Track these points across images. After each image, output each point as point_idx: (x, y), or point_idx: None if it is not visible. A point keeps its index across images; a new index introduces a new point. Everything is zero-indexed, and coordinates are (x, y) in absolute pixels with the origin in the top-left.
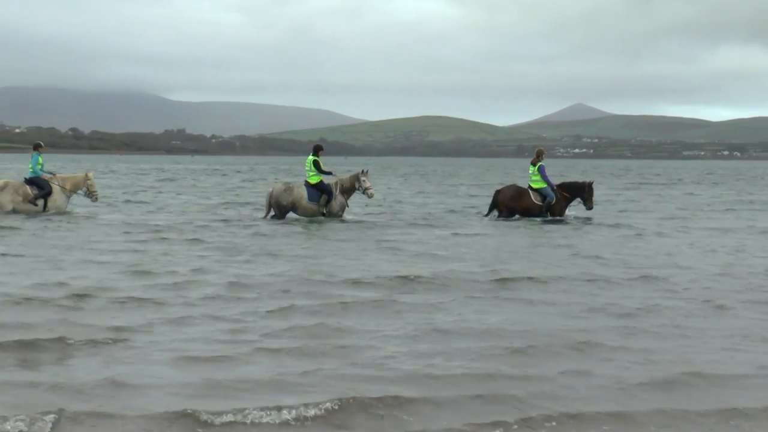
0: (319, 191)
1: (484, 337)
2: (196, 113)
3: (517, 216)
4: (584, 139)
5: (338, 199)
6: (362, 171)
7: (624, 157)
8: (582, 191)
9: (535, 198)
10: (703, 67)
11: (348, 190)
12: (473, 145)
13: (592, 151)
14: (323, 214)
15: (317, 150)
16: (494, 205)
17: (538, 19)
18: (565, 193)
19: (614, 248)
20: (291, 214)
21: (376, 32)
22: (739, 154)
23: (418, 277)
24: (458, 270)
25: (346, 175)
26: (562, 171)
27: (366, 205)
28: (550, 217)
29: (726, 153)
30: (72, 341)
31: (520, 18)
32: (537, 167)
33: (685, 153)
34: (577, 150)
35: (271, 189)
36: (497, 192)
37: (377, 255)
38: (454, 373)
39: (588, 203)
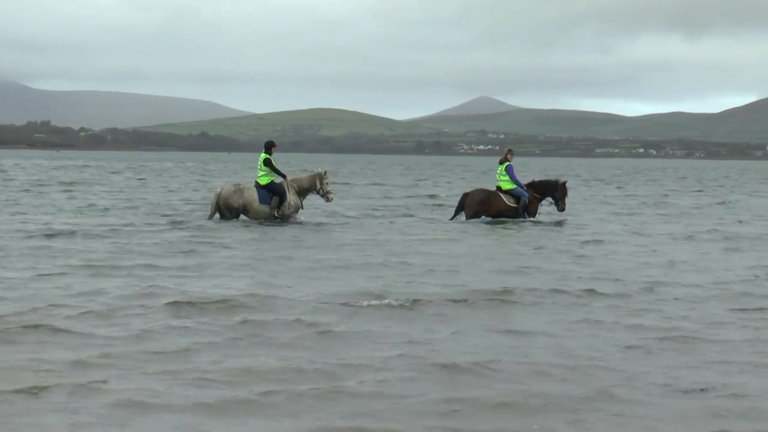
0: (271, 193)
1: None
2: (64, 103)
3: (482, 217)
4: (489, 135)
5: (292, 200)
6: (324, 172)
7: (532, 154)
8: (554, 190)
9: (507, 200)
10: (620, 57)
11: (305, 191)
12: (369, 140)
13: (497, 147)
14: (275, 217)
15: (269, 147)
16: (461, 209)
17: (444, 3)
18: (536, 194)
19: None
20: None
21: (265, 16)
22: (654, 152)
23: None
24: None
25: (304, 175)
26: (466, 167)
27: (316, 208)
28: (529, 219)
29: (641, 150)
30: None
31: (424, 2)
32: (505, 167)
33: (598, 150)
34: (481, 146)
35: (219, 190)
36: (465, 195)
37: (358, 271)
38: None
39: (560, 204)
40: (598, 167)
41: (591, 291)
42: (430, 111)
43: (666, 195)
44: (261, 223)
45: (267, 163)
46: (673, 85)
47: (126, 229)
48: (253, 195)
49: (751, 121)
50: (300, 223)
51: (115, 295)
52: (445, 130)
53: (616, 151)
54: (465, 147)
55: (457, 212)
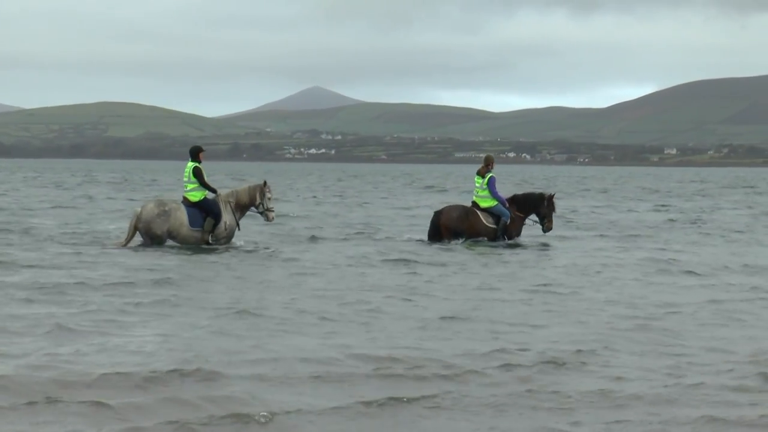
0: (204, 212)
1: None
2: None
3: (462, 239)
4: (323, 136)
5: (228, 220)
6: (264, 183)
7: (377, 159)
8: (539, 206)
9: (486, 219)
10: (490, 38)
11: (243, 208)
12: (171, 142)
13: (333, 151)
14: (208, 243)
15: (196, 153)
16: (435, 230)
17: None
18: (518, 212)
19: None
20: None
21: None
22: (529, 156)
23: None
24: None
25: (241, 187)
26: (294, 176)
27: (263, 224)
28: (507, 241)
29: (512, 155)
30: None
31: None
32: (487, 180)
33: (459, 155)
34: (313, 150)
35: (138, 210)
36: (438, 214)
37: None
38: None
39: (547, 222)
40: (451, 175)
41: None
42: (248, 106)
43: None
44: (190, 252)
45: (197, 173)
46: (554, 73)
47: None
48: (181, 217)
49: (647, 118)
50: (236, 248)
51: None
52: (268, 129)
53: (481, 155)
54: (292, 151)
55: (432, 234)
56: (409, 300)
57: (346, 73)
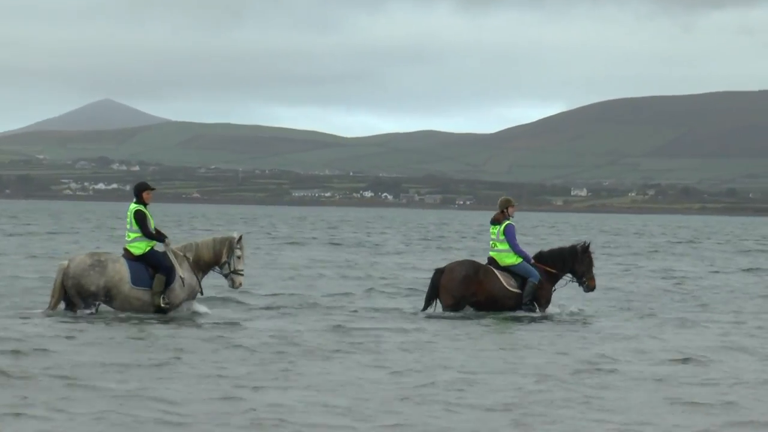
0: (151, 267)
1: None
2: None
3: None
4: (114, 166)
5: (186, 279)
6: (237, 237)
7: (187, 198)
8: (574, 262)
9: (505, 281)
10: (347, 39)
11: (204, 267)
12: None
13: (127, 187)
14: (160, 308)
15: (141, 191)
16: (434, 293)
17: None
18: (549, 268)
19: None
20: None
21: None
22: (390, 197)
23: None
24: None
25: (202, 239)
26: (70, 219)
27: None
28: (538, 313)
29: (369, 194)
30: None
31: None
32: (504, 228)
33: (298, 193)
34: (101, 185)
35: (65, 263)
36: (439, 272)
37: None
38: None
39: (588, 280)
40: (304, 221)
41: None
42: (15, 124)
43: None
44: (133, 321)
45: (139, 219)
46: (429, 86)
47: None
48: (121, 271)
49: (549, 148)
50: (198, 315)
51: None
52: (40, 156)
53: (327, 194)
54: (73, 185)
55: (430, 299)
56: None
57: (148, 83)
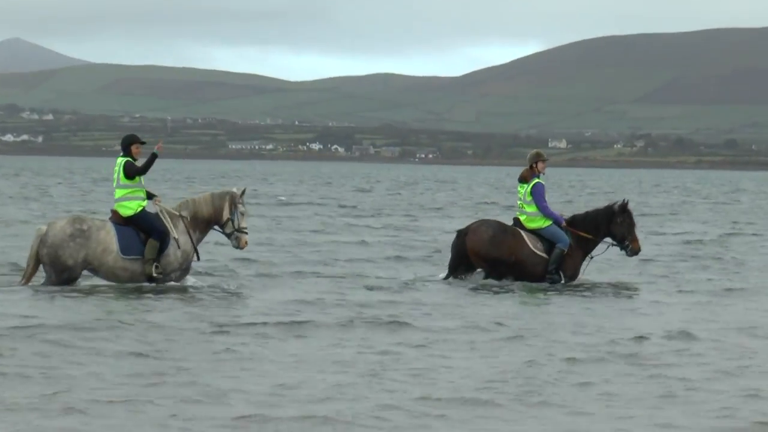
0: (143, 232)
1: None
2: None
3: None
4: (24, 114)
5: (182, 242)
6: (239, 191)
7: (109, 151)
8: (611, 224)
9: (534, 244)
10: None
11: (204, 226)
12: None
13: (40, 138)
14: (152, 278)
15: (129, 144)
16: (459, 258)
17: None
18: (583, 233)
19: None
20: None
21: None
22: (342, 150)
23: None
24: None
25: (200, 195)
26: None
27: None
28: (562, 281)
29: (317, 147)
30: None
31: None
32: (531, 187)
33: (235, 146)
34: (9, 136)
35: (43, 228)
36: (462, 234)
37: None
38: None
39: (632, 243)
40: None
41: None
42: None
43: None
44: (126, 296)
45: (129, 172)
46: (385, 23)
47: None
48: (105, 240)
49: (523, 93)
50: (193, 289)
51: None
52: None
53: (268, 147)
54: None
55: (454, 266)
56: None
57: (63, 20)
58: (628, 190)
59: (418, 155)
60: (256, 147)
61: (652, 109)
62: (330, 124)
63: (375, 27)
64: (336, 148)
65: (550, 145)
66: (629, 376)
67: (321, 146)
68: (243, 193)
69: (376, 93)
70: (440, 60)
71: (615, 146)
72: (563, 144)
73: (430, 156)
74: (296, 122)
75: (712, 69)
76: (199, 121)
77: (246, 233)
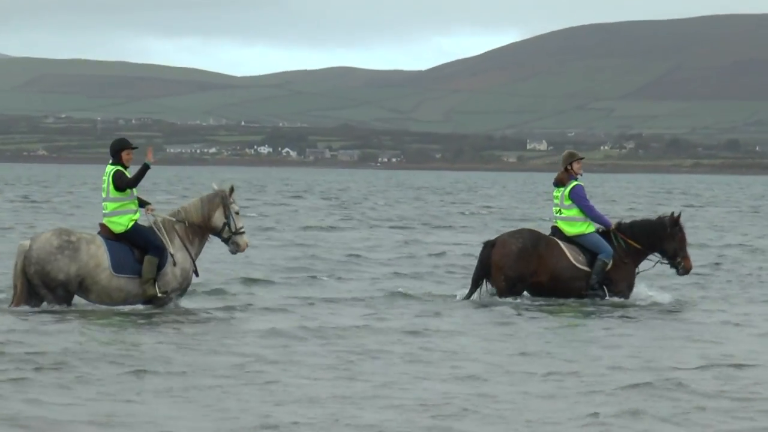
0: (137, 248)
1: None
2: None
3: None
4: None
5: (179, 258)
6: (228, 189)
7: (32, 155)
8: (663, 238)
9: (574, 256)
10: None
11: (200, 236)
12: None
13: None
14: (154, 298)
15: (119, 150)
16: (483, 272)
17: None
18: (634, 243)
19: None
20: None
21: None
22: (294, 154)
23: None
24: None
25: (192, 201)
26: None
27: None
28: (607, 297)
29: (266, 150)
30: None
31: None
32: (569, 189)
33: (173, 149)
34: None
35: (26, 243)
36: (489, 245)
37: None
38: None
39: (683, 260)
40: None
41: None
42: None
43: None
44: (119, 321)
45: (119, 183)
46: (344, 9)
47: None
48: (97, 255)
49: (497, 88)
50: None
51: None
52: None
53: (211, 151)
54: None
55: (477, 281)
56: None
57: None
58: (626, 195)
59: (379, 159)
60: (198, 151)
61: (643, 105)
62: (280, 124)
63: (331, 15)
64: (287, 152)
65: (528, 146)
66: None
67: (270, 149)
68: (232, 190)
69: (333, 89)
70: (405, 51)
71: (602, 148)
72: (543, 146)
73: (394, 160)
74: (242, 123)
75: (711, 60)
76: (133, 121)
77: (244, 233)
